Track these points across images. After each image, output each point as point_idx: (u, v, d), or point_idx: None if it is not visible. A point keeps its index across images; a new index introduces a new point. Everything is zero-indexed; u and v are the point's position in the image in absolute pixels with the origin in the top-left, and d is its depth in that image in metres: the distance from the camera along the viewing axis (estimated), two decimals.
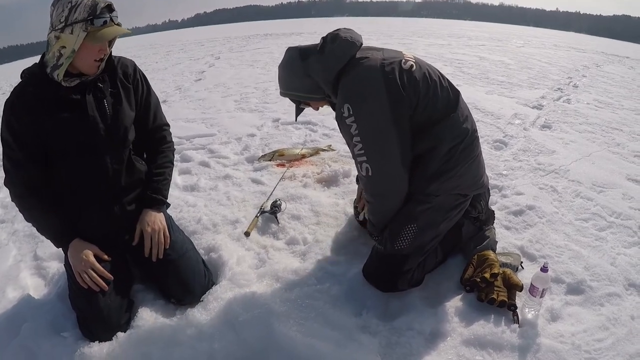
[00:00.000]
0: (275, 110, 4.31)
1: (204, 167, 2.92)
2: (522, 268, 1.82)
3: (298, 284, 1.68)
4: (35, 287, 1.81)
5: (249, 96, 5.05)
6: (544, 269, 1.51)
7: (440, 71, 1.67)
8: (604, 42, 16.80)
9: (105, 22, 1.34)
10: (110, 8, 1.36)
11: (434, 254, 1.70)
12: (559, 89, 5.60)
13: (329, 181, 2.59)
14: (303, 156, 2.99)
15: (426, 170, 1.57)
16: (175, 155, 3.15)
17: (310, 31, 15.27)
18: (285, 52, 1.65)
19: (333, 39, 1.57)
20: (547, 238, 2.05)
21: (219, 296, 1.58)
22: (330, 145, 3.19)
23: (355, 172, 2.59)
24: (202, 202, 2.38)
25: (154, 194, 1.65)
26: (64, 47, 1.33)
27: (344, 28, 1.64)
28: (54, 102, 1.41)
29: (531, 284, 1.54)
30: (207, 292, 1.62)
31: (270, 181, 2.62)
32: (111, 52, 1.50)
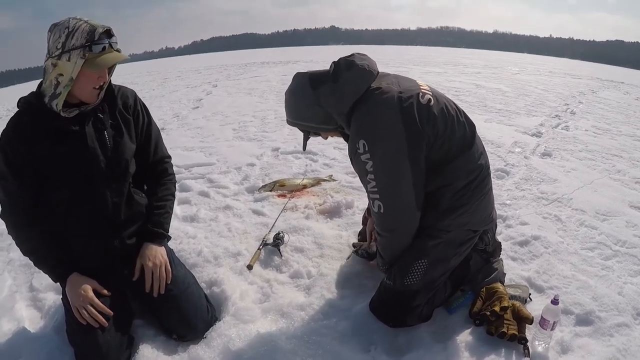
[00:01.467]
0: (274, 139, 4.38)
1: (203, 197, 2.94)
2: (531, 300, 1.83)
3: (304, 319, 1.68)
4: (31, 319, 1.79)
5: (248, 125, 5.13)
6: (555, 302, 1.52)
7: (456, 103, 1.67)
8: (598, 67, 17.35)
9: (104, 48, 1.33)
10: (109, 33, 1.34)
11: (443, 289, 1.70)
12: (556, 115, 5.75)
13: (331, 212, 2.62)
14: (304, 187, 3.02)
15: (439, 206, 1.57)
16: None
17: (307, 59, 15.66)
18: (294, 79, 1.61)
19: (348, 67, 1.52)
20: (553, 269, 2.06)
21: (223, 333, 1.57)
22: (332, 176, 3.24)
23: (358, 204, 2.63)
24: (202, 233, 2.39)
25: (155, 227, 1.64)
26: (61, 74, 1.32)
27: (358, 54, 1.59)
28: (52, 132, 1.40)
29: (542, 316, 1.54)
30: (210, 329, 1.61)
31: (272, 212, 2.64)
32: (111, 81, 1.51)
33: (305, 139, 1.76)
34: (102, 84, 1.41)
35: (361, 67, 1.53)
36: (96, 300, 1.45)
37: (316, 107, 1.55)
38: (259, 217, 2.61)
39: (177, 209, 2.75)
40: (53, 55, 1.32)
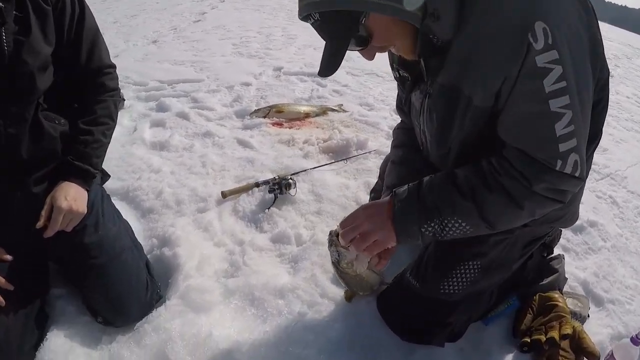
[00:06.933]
0: (278, 57, 3.60)
1: (181, 119, 2.26)
2: (588, 317, 1.28)
3: (282, 313, 1.11)
4: None
5: (250, 40, 4.30)
6: (636, 341, 1.03)
7: None
8: (628, 35, 15.66)
9: None
10: None
11: (487, 299, 1.13)
12: None
13: (337, 152, 1.97)
14: (307, 115, 2.35)
15: None
16: (150, 103, 2.52)
17: None
18: None
19: None
20: (615, 273, 1.51)
21: (161, 325, 1.03)
22: (342, 105, 2.54)
23: (373, 145, 1.98)
24: (169, 166, 1.77)
25: (78, 160, 1.09)
26: None
27: None
28: None
29: (612, 354, 1.06)
30: (146, 316, 1.08)
31: (261, 145, 2.01)
32: None
33: (341, 49, 0.81)
34: None
35: None
36: None
37: None
38: (244, 149, 1.97)
39: (148, 133, 2.11)
40: None
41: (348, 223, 0.90)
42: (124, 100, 2.38)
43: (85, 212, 1.07)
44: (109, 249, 1.10)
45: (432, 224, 0.83)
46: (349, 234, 0.87)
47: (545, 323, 1.13)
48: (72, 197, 1.04)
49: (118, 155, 1.84)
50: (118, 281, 1.08)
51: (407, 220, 0.84)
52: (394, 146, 1.25)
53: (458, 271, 0.99)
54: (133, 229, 1.39)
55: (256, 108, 2.40)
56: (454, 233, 0.84)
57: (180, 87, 2.78)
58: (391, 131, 1.32)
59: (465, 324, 1.09)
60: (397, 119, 1.30)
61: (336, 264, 1.00)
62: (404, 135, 1.23)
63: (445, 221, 0.82)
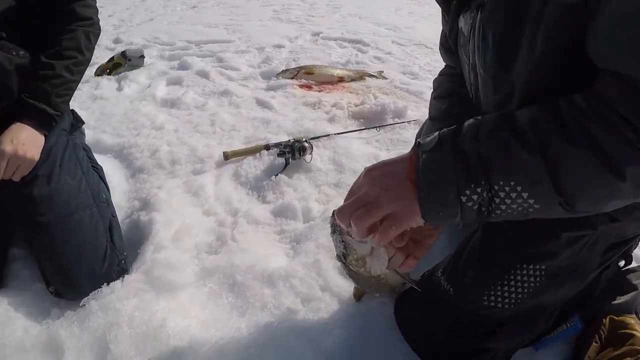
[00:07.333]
0: (319, 23, 3.28)
1: (200, 77, 2.05)
2: None
3: (266, 308, 0.83)
4: None
5: (292, 7, 4.01)
6: None
7: None
8: None
9: None
10: None
11: (546, 319, 0.76)
12: None
13: (370, 119, 1.65)
14: (340, 79, 2.03)
15: None
16: (173, 62, 2.33)
17: None
18: None
19: None
20: None
21: (112, 304, 0.80)
22: (382, 72, 2.19)
23: (413, 115, 1.64)
24: (174, 124, 1.56)
25: (34, 98, 0.90)
26: None
27: None
28: None
29: None
30: (97, 289, 0.86)
31: (282, 107, 1.73)
32: None
33: None
34: None
35: None
36: None
37: None
38: (262, 110, 1.71)
39: (162, 91, 1.92)
40: None
41: (350, 194, 0.58)
42: (144, 57, 2.21)
43: (37, 159, 0.88)
44: (62, 205, 0.90)
45: (479, 189, 0.48)
46: (347, 208, 0.55)
47: (616, 358, 0.78)
48: (20, 140, 0.86)
49: (123, 111, 1.66)
50: (67, 244, 0.88)
51: (438, 180, 0.50)
52: (435, 97, 0.92)
53: (512, 277, 0.65)
54: (120, 190, 1.21)
55: (284, 69, 2.13)
56: (509, 209, 0.49)
57: (208, 48, 2.56)
58: None
59: (510, 352, 0.75)
60: None
61: (342, 258, 0.67)
62: (448, 83, 0.90)
63: (497, 187, 0.48)
